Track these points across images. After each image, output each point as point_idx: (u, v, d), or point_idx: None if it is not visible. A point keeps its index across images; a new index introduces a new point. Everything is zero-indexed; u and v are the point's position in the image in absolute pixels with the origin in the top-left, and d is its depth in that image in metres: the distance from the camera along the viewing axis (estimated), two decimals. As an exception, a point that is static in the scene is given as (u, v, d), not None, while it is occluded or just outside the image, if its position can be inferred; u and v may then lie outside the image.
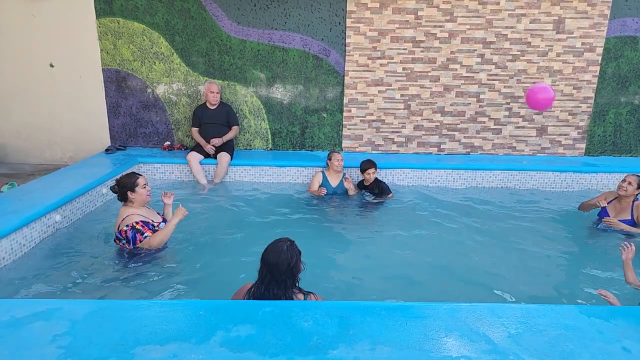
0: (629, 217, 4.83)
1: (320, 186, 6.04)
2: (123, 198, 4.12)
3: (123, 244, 4.07)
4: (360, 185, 6.19)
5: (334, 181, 6.05)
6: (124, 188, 4.07)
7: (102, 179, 5.51)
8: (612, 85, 7.08)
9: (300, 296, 2.81)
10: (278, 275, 2.72)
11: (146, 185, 4.16)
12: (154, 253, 4.16)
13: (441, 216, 5.49)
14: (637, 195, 4.87)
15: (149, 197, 4.21)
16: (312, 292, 2.87)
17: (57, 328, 2.43)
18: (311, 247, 4.53)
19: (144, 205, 4.22)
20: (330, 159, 6.04)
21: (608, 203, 5.02)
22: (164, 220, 4.31)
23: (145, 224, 4.07)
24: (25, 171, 6.92)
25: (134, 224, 4.01)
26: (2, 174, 6.70)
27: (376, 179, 6.09)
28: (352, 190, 6.00)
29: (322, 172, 6.14)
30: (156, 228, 4.13)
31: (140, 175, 4.18)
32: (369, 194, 6.02)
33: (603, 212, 5.03)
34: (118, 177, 4.16)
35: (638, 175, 4.85)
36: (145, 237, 4.00)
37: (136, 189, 4.08)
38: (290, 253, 2.74)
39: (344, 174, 6.12)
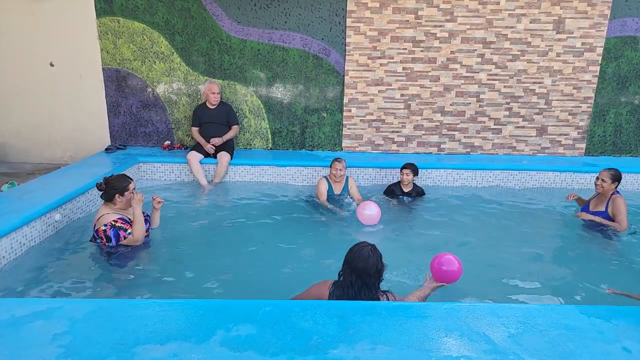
0: (603, 209, 4.87)
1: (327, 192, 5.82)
2: (109, 199, 4.09)
3: (98, 242, 4.05)
4: (397, 189, 6.03)
5: (337, 188, 5.86)
6: (114, 190, 4.05)
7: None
8: (612, 85, 7.08)
9: (384, 297, 2.86)
10: (368, 279, 2.77)
11: (134, 191, 4.16)
12: (151, 253, 4.17)
13: (440, 216, 5.50)
14: (615, 189, 4.88)
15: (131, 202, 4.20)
16: (388, 291, 2.91)
17: (57, 327, 2.42)
18: (311, 247, 4.55)
19: (125, 208, 4.21)
20: (330, 166, 5.82)
21: (591, 199, 5.11)
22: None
23: (124, 221, 4.07)
24: (25, 170, 6.92)
25: (113, 222, 3.99)
26: (2, 173, 6.70)
27: (414, 184, 6.06)
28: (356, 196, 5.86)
29: (326, 177, 5.90)
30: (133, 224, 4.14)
31: (132, 180, 4.18)
32: (406, 199, 5.95)
33: (585, 208, 5.10)
34: (108, 176, 4.14)
35: (610, 170, 4.86)
36: (129, 233, 4.00)
37: (126, 193, 4.08)
38: (376, 257, 2.79)
39: (347, 177, 5.95)
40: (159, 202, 4.42)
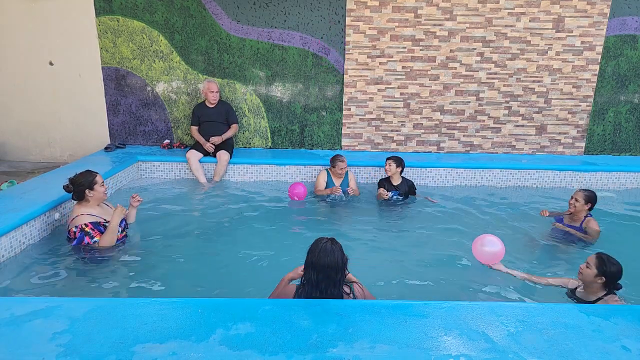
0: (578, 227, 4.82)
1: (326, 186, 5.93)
2: (79, 197, 4.09)
3: (69, 239, 4.07)
4: (388, 184, 6.00)
5: (337, 182, 5.95)
6: (82, 186, 4.04)
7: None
8: (611, 84, 7.08)
9: (347, 289, 2.82)
10: (334, 275, 2.70)
11: (103, 184, 4.16)
12: (150, 251, 4.17)
13: (439, 215, 5.50)
14: (589, 211, 4.78)
15: (106, 195, 4.22)
16: (354, 282, 2.88)
17: (57, 326, 2.43)
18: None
19: (99, 204, 4.20)
20: (334, 166, 5.86)
21: (564, 214, 5.00)
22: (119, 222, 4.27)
23: (96, 225, 4.05)
24: (25, 169, 6.91)
25: (84, 226, 4.00)
26: (1, 172, 6.70)
27: (404, 178, 6.03)
28: (353, 191, 5.92)
29: (327, 170, 6.03)
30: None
31: (97, 173, 4.17)
32: (396, 196, 5.91)
33: (558, 220, 5.03)
34: (73, 176, 4.11)
35: (585, 191, 4.77)
36: (95, 241, 4.00)
37: (95, 187, 4.07)
38: (339, 251, 2.71)
39: (347, 171, 6.02)
40: (138, 200, 4.45)
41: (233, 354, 2.21)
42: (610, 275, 3.22)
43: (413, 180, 6.22)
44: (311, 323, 2.47)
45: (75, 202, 4.15)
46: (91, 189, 4.06)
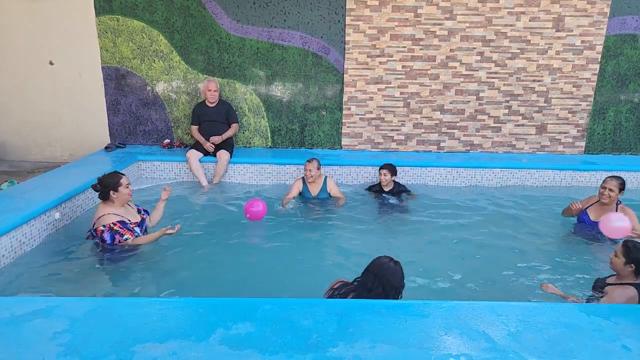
0: None
1: (300, 193, 5.82)
2: (105, 197, 4.14)
3: (95, 239, 4.10)
4: (379, 189, 6.03)
5: (313, 189, 5.82)
6: (107, 187, 4.10)
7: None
8: (611, 83, 7.08)
9: None
10: (391, 292, 2.74)
11: (129, 185, 4.20)
12: (150, 251, 4.18)
13: (439, 215, 5.49)
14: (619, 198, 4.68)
15: (131, 196, 4.25)
16: None
17: (57, 326, 2.43)
18: (310, 246, 4.55)
19: (123, 205, 4.24)
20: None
21: (589, 206, 4.84)
22: (141, 223, 4.30)
23: (123, 224, 4.10)
24: (25, 169, 6.91)
25: (112, 225, 4.04)
26: (2, 171, 6.70)
27: (395, 182, 6.03)
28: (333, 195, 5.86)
29: (303, 178, 5.88)
30: (132, 228, 4.15)
31: (123, 174, 4.22)
32: (390, 197, 5.94)
33: (584, 215, 4.85)
34: (101, 176, 4.17)
35: (618, 179, 4.64)
36: (126, 239, 4.05)
37: (119, 188, 4.11)
38: (401, 275, 2.77)
39: (326, 177, 5.92)
40: (168, 191, 4.49)
41: (233, 354, 2.21)
42: (638, 261, 3.23)
43: (410, 182, 6.23)
44: (311, 323, 2.47)
45: (100, 201, 4.19)
46: (115, 190, 4.11)
